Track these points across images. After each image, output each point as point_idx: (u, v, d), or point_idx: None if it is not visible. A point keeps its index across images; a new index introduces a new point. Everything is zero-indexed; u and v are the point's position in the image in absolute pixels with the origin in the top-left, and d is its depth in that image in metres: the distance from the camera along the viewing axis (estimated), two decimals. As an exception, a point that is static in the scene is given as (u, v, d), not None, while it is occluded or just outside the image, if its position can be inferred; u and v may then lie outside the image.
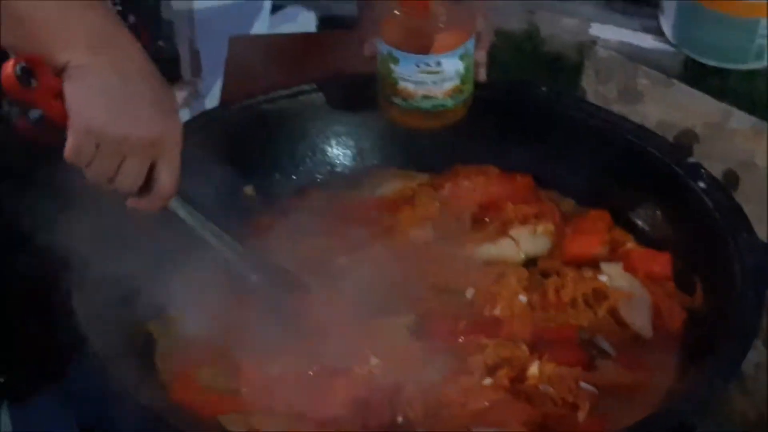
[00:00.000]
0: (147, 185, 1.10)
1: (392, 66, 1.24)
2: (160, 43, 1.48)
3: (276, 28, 2.92)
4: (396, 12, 1.24)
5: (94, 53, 1.03)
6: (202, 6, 2.63)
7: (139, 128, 1.05)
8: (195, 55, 2.72)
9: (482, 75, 1.31)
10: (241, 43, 1.83)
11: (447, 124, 1.29)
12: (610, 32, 3.37)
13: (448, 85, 1.25)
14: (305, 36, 2.51)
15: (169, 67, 2.74)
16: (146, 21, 1.42)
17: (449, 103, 1.26)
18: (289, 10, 3.12)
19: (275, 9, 3.00)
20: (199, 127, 1.37)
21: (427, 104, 1.26)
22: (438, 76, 1.24)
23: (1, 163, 1.32)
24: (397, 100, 1.26)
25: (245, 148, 1.34)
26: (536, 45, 3.41)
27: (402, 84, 1.24)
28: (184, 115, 2.65)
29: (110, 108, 1.04)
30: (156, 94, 1.07)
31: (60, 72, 1.03)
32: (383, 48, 1.24)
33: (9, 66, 1.02)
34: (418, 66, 1.23)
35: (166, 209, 1.14)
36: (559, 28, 3.42)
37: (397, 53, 1.23)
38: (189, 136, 1.33)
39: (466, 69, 1.25)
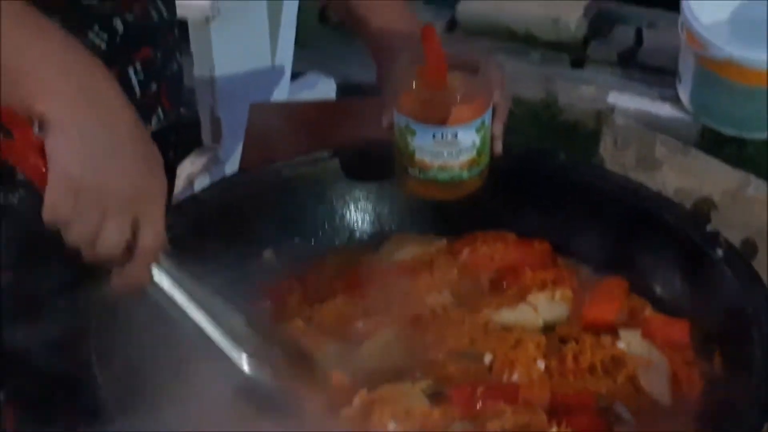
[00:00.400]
0: (130, 251, 1.04)
1: (409, 137, 1.25)
2: (182, 110, 1.49)
3: (296, 95, 2.95)
4: (413, 84, 1.25)
5: (77, 106, 0.99)
6: (224, 73, 2.67)
7: (120, 180, 1.01)
8: (216, 121, 2.75)
9: (498, 147, 1.31)
10: (261, 110, 1.84)
11: (463, 195, 1.30)
12: (627, 101, 3.41)
13: (465, 157, 1.26)
14: (325, 103, 2.54)
15: (190, 133, 2.77)
16: (169, 89, 1.43)
17: (465, 174, 1.27)
18: (309, 77, 3.16)
19: (295, 76, 3.03)
20: (218, 192, 1.38)
21: (443, 176, 1.27)
22: (454, 148, 1.25)
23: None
24: (413, 172, 1.27)
25: (264, 213, 1.35)
26: (554, 113, 3.44)
27: (419, 155, 1.26)
28: (204, 180, 2.69)
29: (90, 159, 0.99)
30: (139, 149, 1.03)
31: (40, 125, 0.99)
32: (400, 119, 1.26)
33: None
34: (434, 138, 1.24)
35: (151, 283, 1.06)
36: (577, 96, 3.45)
37: (414, 125, 1.24)
38: (210, 200, 1.35)
39: (483, 141, 1.26)
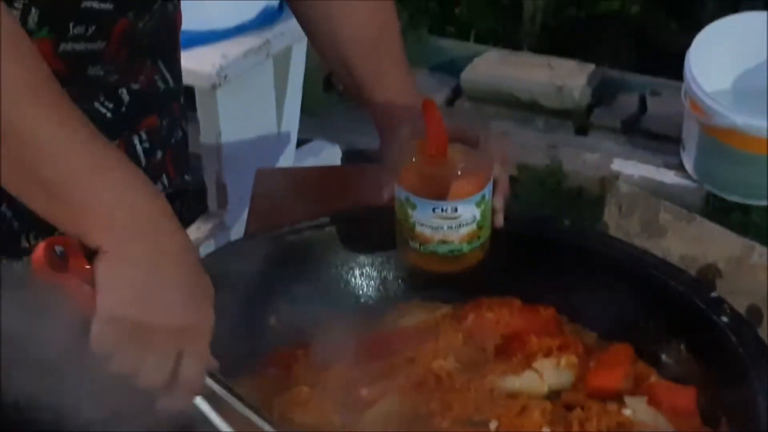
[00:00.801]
0: (173, 379, 1.04)
1: (410, 211, 1.26)
2: (187, 177, 1.50)
3: (301, 162, 2.96)
4: (414, 158, 1.26)
5: (131, 238, 1.00)
6: (230, 140, 2.68)
7: (166, 317, 1.01)
8: (222, 187, 2.76)
9: (499, 220, 1.32)
10: (267, 176, 1.85)
11: (464, 268, 1.30)
12: (632, 167, 3.42)
13: (465, 231, 1.26)
14: (330, 169, 2.55)
15: (195, 199, 2.78)
16: (173, 156, 1.44)
17: (466, 248, 1.27)
18: (315, 143, 3.18)
19: (301, 143, 3.05)
20: (224, 258, 1.39)
21: (443, 249, 1.27)
22: (455, 222, 1.25)
23: None
24: (414, 244, 1.28)
25: (270, 279, 1.35)
26: (559, 179, 3.45)
27: (419, 229, 1.26)
28: (210, 246, 2.69)
29: (138, 296, 0.99)
30: (189, 281, 1.04)
31: (92, 254, 0.99)
32: (401, 193, 1.26)
33: (41, 248, 0.98)
34: (434, 212, 1.25)
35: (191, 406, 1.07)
36: (582, 163, 3.46)
37: (414, 199, 1.25)
38: (215, 266, 1.35)
39: (483, 215, 1.27)
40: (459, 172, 1.24)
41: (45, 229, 1.27)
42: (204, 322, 1.05)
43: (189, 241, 1.06)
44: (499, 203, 1.31)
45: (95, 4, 1.19)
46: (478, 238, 1.28)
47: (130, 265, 0.99)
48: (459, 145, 1.27)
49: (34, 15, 1.15)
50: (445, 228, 1.25)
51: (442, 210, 1.24)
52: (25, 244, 1.29)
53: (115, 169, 1.02)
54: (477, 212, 1.26)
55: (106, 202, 1.00)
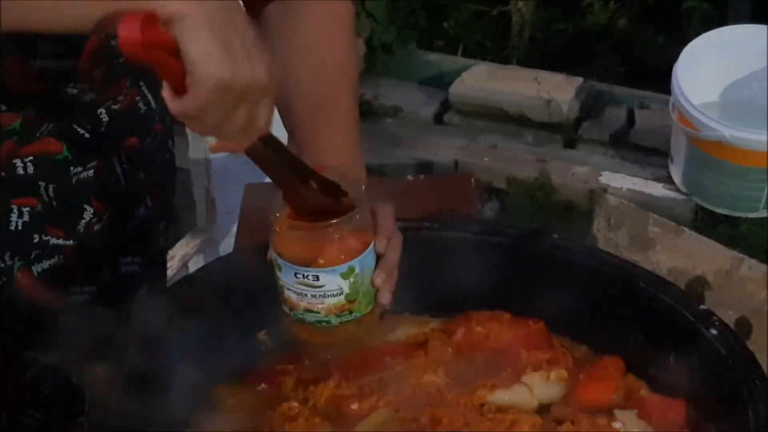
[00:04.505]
0: (249, 125, 1.05)
1: (277, 271, 1.18)
2: (173, 198, 1.49)
3: (290, 176, 2.95)
4: (281, 217, 1.17)
5: (200, 1, 0.99)
6: (218, 155, 2.68)
7: (258, 72, 1.01)
8: (210, 202, 2.76)
9: (385, 298, 1.22)
10: (256, 191, 1.85)
11: (338, 343, 1.23)
12: (620, 180, 3.43)
13: (331, 302, 1.17)
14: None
15: (184, 215, 2.77)
16: (158, 177, 1.43)
17: (334, 320, 1.18)
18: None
19: (290, 157, 3.04)
20: (213, 273, 1.39)
21: (310, 318, 1.18)
22: (318, 291, 1.16)
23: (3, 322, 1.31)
24: (285, 308, 1.20)
25: (259, 294, 1.35)
26: (548, 193, 3.46)
27: (287, 293, 1.18)
28: (199, 261, 2.69)
29: (230, 51, 0.99)
30: (255, 34, 1.03)
31: (167, 25, 0.97)
32: (271, 252, 1.19)
33: (135, 24, 0.95)
34: (296, 276, 1.16)
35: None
36: (570, 176, 3.47)
37: (279, 260, 1.17)
38: (204, 281, 1.35)
39: (353, 288, 1.17)
40: (326, 239, 1.16)
41: (22, 249, 1.28)
42: (277, 71, 1.04)
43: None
44: (381, 279, 1.20)
45: None
46: (350, 312, 1.18)
47: (210, 25, 0.98)
48: (341, 207, 1.17)
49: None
50: (309, 296, 1.17)
51: (303, 276, 1.16)
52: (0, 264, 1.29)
53: None
54: (344, 284, 1.16)
55: None
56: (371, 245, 1.19)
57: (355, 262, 1.17)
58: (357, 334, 1.21)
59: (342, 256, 1.16)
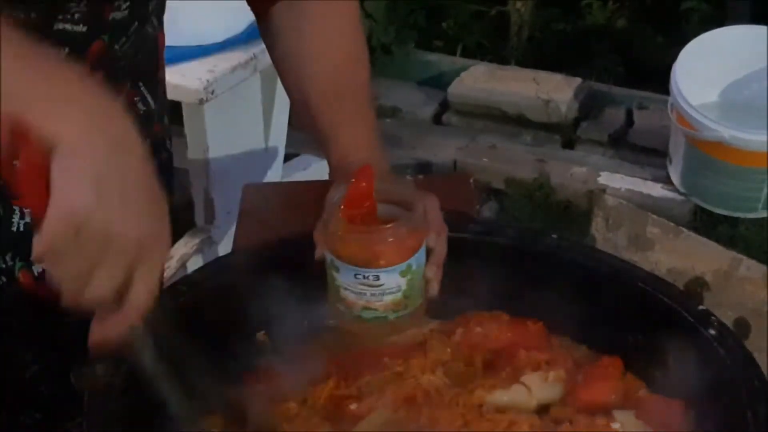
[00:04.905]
0: (117, 302, 0.96)
1: (334, 273, 1.21)
2: (171, 198, 1.49)
3: (289, 176, 2.96)
4: (338, 221, 1.20)
5: (89, 131, 0.92)
6: (217, 155, 2.68)
7: (128, 222, 0.92)
8: (209, 202, 2.76)
9: (433, 290, 1.26)
10: (254, 191, 1.85)
11: (393, 335, 1.27)
12: (619, 181, 3.44)
13: (389, 299, 1.21)
14: (318, 183, 2.54)
15: (183, 214, 2.77)
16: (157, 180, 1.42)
17: (391, 316, 1.23)
18: (302, 158, 3.18)
19: (288, 157, 3.05)
20: (211, 274, 1.38)
21: (368, 315, 1.22)
22: (377, 290, 1.20)
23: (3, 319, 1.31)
24: (341, 306, 1.24)
25: (258, 294, 1.35)
26: (547, 193, 3.46)
27: (343, 292, 1.22)
28: (197, 261, 2.69)
29: (100, 192, 0.91)
30: (149, 189, 0.96)
31: (48, 149, 0.90)
32: (327, 254, 1.22)
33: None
34: (356, 277, 1.20)
35: (131, 347, 1.00)
36: (569, 176, 3.47)
37: (337, 262, 1.20)
38: (203, 281, 1.35)
39: (410, 284, 1.22)
40: (384, 240, 1.19)
41: (23, 250, 1.28)
42: (162, 235, 0.97)
43: (146, 150, 0.97)
44: (433, 272, 1.25)
45: (68, 27, 1.17)
46: (405, 307, 1.23)
47: (91, 158, 0.91)
48: (395, 209, 1.22)
49: None
50: (368, 295, 1.20)
51: (364, 277, 1.19)
52: None
53: (60, 70, 0.95)
54: (402, 282, 1.21)
55: (61, 89, 0.93)
56: (424, 242, 1.22)
57: (412, 260, 1.21)
58: (409, 325, 1.27)
59: (401, 255, 1.20)
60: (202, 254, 2.76)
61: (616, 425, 1.23)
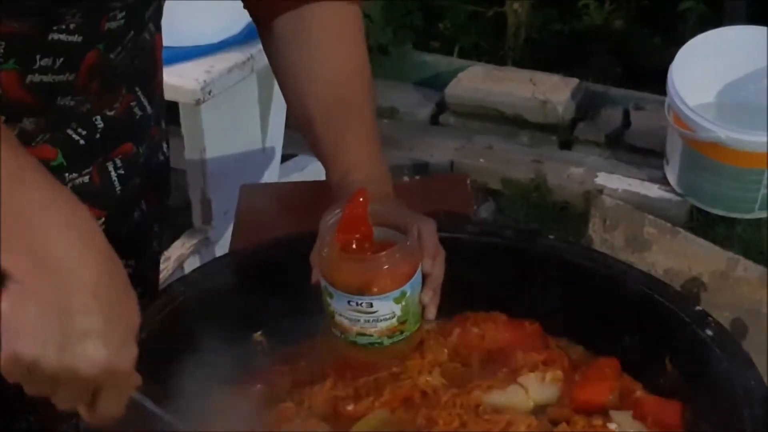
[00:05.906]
0: (89, 408, 0.99)
1: (328, 299, 1.20)
2: (168, 201, 1.48)
3: (286, 177, 2.96)
4: (332, 247, 1.19)
5: (37, 269, 0.92)
6: (214, 156, 2.68)
7: (79, 364, 0.93)
8: (206, 203, 2.76)
9: (430, 314, 1.23)
10: (251, 192, 1.85)
11: (389, 359, 1.27)
12: (616, 181, 3.43)
13: (384, 325, 1.19)
14: (315, 184, 2.53)
15: (180, 215, 2.77)
16: (153, 181, 1.42)
17: (386, 341, 1.21)
18: (299, 159, 3.17)
19: (285, 158, 3.04)
20: (209, 274, 1.38)
21: (363, 341, 1.20)
22: (371, 316, 1.19)
23: None
24: (335, 332, 1.22)
25: (255, 295, 1.35)
26: (543, 194, 3.46)
27: (338, 318, 1.20)
28: (194, 262, 2.68)
29: (46, 342, 0.92)
30: (109, 317, 0.95)
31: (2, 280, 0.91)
32: (321, 280, 1.20)
33: None
34: (350, 304, 1.18)
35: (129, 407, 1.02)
36: (566, 177, 3.47)
37: (330, 288, 1.19)
38: (200, 282, 1.35)
39: (405, 310, 1.20)
40: (379, 267, 1.17)
41: None
42: (123, 363, 0.97)
43: (113, 264, 0.97)
44: (429, 296, 1.22)
45: (63, 37, 1.16)
46: (400, 332, 1.21)
47: (38, 303, 0.91)
48: (390, 232, 1.20)
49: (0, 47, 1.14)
50: (362, 321, 1.19)
51: (357, 304, 1.18)
52: None
53: (36, 189, 0.96)
54: (396, 308, 1.19)
55: (11, 221, 0.92)
56: (419, 267, 1.20)
57: (406, 287, 1.19)
58: (406, 350, 1.25)
59: (395, 283, 1.18)
60: (199, 255, 2.75)
61: (612, 426, 1.23)
